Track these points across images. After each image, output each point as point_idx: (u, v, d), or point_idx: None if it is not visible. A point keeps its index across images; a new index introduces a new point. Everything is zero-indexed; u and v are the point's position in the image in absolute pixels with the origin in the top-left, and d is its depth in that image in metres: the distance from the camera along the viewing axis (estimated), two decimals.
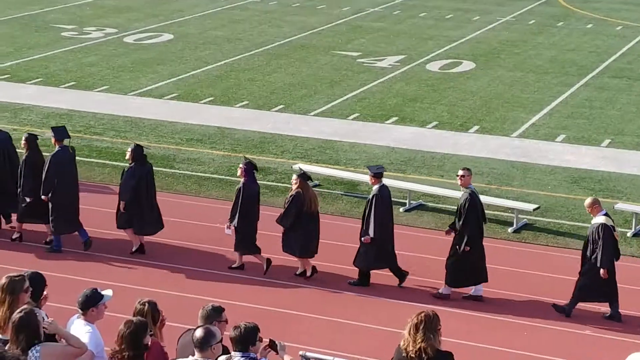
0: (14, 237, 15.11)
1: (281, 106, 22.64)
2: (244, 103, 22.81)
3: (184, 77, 24.95)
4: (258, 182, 14.51)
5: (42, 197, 14.62)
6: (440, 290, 13.70)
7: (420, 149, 20.00)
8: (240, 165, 14.39)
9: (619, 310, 13.16)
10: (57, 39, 28.61)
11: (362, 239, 13.79)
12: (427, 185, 17.51)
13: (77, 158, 17.16)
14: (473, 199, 13.63)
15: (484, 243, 13.74)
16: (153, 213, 14.80)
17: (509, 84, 25.19)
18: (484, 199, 16.50)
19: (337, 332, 12.61)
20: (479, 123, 21.78)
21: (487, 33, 31.55)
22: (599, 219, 13.10)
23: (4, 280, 7.61)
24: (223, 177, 17.94)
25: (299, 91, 24.00)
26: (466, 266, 13.59)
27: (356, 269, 13.98)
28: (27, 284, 7.64)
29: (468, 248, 13.46)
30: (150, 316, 8.08)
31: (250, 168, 14.26)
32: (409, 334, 7.75)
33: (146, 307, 8.16)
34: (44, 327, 7.32)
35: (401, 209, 16.66)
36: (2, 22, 30.90)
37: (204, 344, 7.11)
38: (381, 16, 33.79)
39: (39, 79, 24.28)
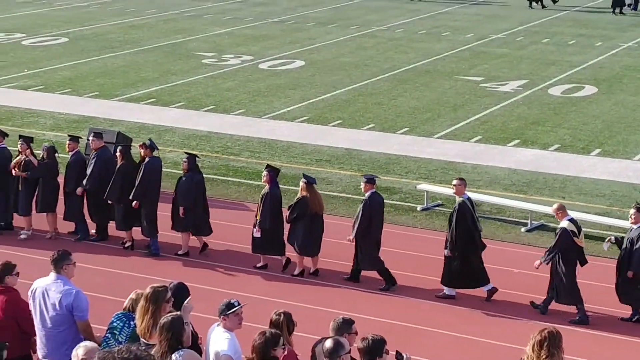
0: (126, 245, 15.58)
1: (406, 129, 22.93)
2: (370, 126, 23.17)
3: (314, 101, 25.44)
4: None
5: (134, 203, 15.11)
6: (445, 292, 14.07)
7: (542, 170, 19.99)
8: (264, 173, 14.89)
9: (586, 313, 13.40)
10: (198, 66, 29.32)
11: (347, 238, 14.33)
12: (550, 206, 17.33)
13: (214, 177, 18.16)
14: (463, 207, 13.94)
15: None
16: (205, 217, 15.45)
17: (631, 108, 24.92)
18: (605, 220, 16.72)
19: (461, 346, 12.66)
20: (600, 146, 21.66)
21: (610, 58, 31.14)
22: (563, 224, 13.50)
23: (148, 290, 7.78)
24: (350, 195, 18.20)
25: (423, 115, 24.24)
26: (464, 269, 13.91)
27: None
28: (169, 294, 7.79)
29: (449, 253, 13.87)
30: (286, 326, 8.36)
31: (274, 175, 14.88)
32: (532, 351, 7.61)
33: (282, 317, 8.44)
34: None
35: (522, 229, 16.76)
36: (149, 50, 31.89)
37: (333, 354, 7.22)
38: (504, 42, 33.75)
39: (181, 103, 25.06)
